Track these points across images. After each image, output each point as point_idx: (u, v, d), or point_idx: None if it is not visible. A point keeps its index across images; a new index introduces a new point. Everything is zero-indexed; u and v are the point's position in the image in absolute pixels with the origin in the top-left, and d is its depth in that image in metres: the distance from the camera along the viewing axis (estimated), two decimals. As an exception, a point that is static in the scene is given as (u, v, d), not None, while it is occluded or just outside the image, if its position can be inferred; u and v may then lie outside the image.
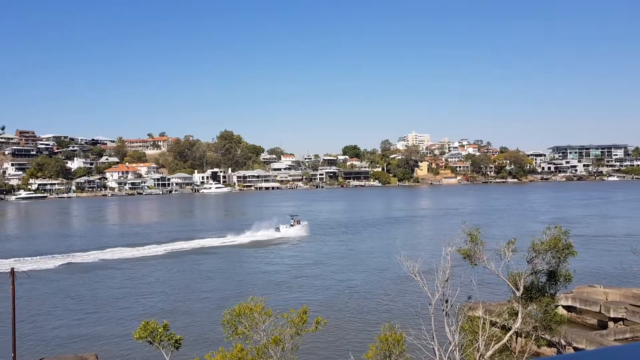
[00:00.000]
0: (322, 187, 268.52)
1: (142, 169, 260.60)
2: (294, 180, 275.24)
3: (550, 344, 24.70)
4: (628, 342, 26.33)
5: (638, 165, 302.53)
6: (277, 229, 78.58)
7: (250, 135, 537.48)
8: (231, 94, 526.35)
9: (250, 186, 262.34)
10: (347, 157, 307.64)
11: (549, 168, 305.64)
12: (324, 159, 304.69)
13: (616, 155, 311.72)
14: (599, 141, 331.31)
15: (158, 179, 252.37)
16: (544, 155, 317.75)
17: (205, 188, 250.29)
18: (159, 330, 11.59)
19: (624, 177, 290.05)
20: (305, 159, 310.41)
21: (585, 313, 33.13)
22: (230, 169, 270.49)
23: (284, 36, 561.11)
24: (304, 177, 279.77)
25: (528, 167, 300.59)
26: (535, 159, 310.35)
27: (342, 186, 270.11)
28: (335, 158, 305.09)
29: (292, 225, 79.72)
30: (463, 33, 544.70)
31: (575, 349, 25.33)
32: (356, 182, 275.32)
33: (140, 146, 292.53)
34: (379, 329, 14.85)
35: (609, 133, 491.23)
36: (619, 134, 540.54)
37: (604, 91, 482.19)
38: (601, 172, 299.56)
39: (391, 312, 33.95)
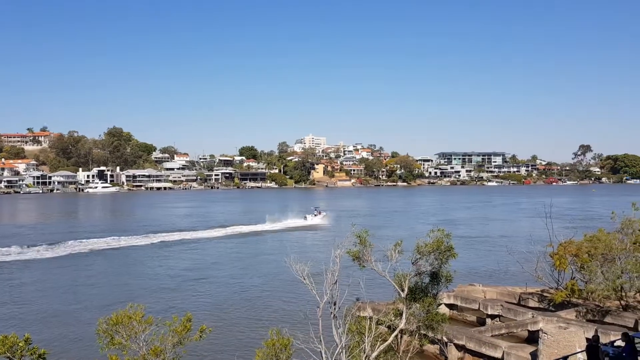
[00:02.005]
0: (218, 188, 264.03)
1: (20, 165, 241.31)
2: (187, 180, 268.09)
3: (432, 342, 25.77)
4: (504, 337, 28.15)
5: (514, 171, 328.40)
6: (305, 218, 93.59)
7: (142, 133, 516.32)
8: (121, 89, 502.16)
9: (141, 186, 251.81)
10: (243, 158, 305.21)
11: (436, 173, 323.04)
12: (219, 160, 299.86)
13: (495, 162, 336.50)
14: (480, 149, 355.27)
15: (38, 177, 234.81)
16: (431, 160, 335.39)
17: (90, 187, 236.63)
18: (20, 344, 10.41)
19: (501, 182, 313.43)
20: (200, 159, 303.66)
21: (465, 311, 35.03)
22: (118, 168, 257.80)
23: (180, 29, 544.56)
24: (199, 177, 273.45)
25: (417, 172, 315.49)
26: (423, 164, 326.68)
27: (238, 187, 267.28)
28: (231, 159, 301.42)
29: (315, 215, 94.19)
30: (357, 37, 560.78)
31: (456, 345, 26.62)
32: (253, 184, 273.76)
33: (19, 141, 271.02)
34: (267, 333, 14.54)
35: (489, 141, 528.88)
36: (498, 143, 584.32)
37: (484, 102, 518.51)
38: (482, 177, 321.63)
39: (280, 316, 33.75)
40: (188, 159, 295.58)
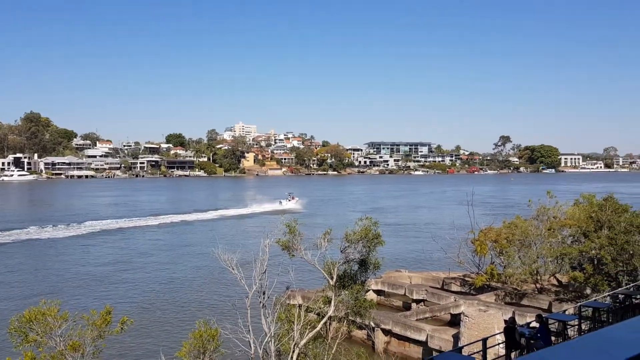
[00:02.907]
0: (143, 176, 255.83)
1: None
2: (111, 168, 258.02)
3: (360, 327, 26.31)
4: (428, 321, 29.15)
5: (439, 161, 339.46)
6: (280, 203, 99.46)
7: (61, 118, 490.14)
8: (40, 72, 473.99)
9: (60, 174, 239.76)
10: (171, 145, 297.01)
11: (365, 162, 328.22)
12: (145, 147, 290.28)
13: (422, 151, 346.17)
14: (407, 139, 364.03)
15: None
16: (361, 150, 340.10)
17: (5, 175, 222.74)
18: None
19: (427, 171, 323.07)
20: (124, 146, 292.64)
21: (392, 296, 35.99)
22: (36, 155, 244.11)
23: (102, 7, 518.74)
24: (123, 165, 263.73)
25: (347, 161, 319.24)
26: (354, 154, 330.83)
27: (165, 176, 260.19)
28: (158, 146, 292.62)
29: (289, 200, 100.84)
30: (287, 25, 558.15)
31: (383, 330, 27.30)
32: (180, 172, 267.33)
33: None
34: (195, 325, 14.26)
35: (416, 132, 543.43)
36: (425, 133, 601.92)
37: (412, 94, 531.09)
38: (409, 166, 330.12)
39: (209, 307, 33.30)
40: (111, 146, 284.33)
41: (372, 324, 26.57)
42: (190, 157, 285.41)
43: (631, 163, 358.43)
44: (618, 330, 3.80)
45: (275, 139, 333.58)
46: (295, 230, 16.94)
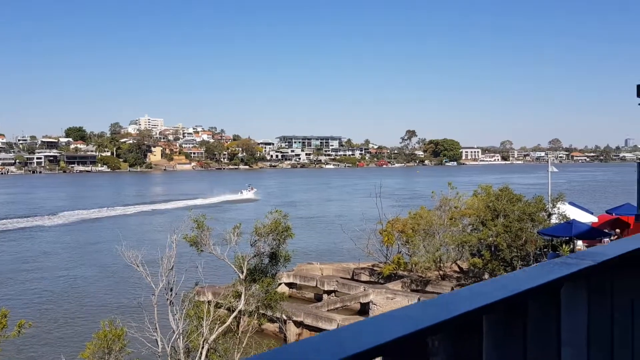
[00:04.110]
0: (40, 172, 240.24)
1: None
2: (4, 164, 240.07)
3: (272, 320, 26.43)
4: (338, 311, 29.80)
5: (350, 154, 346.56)
6: (241, 192, 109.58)
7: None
8: None
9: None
10: (71, 139, 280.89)
11: (277, 156, 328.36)
12: (42, 141, 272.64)
13: (332, 145, 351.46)
14: (319, 133, 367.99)
15: None
16: (273, 144, 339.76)
17: None
18: None
19: (338, 165, 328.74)
20: (19, 140, 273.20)
21: (304, 288, 36.43)
22: None
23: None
24: (18, 161, 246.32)
25: (258, 155, 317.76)
26: (265, 147, 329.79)
27: (64, 171, 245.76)
28: (56, 140, 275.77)
29: (249, 191, 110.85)
30: (198, 16, 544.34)
31: (294, 322, 27.58)
32: (82, 167, 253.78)
33: None
34: (99, 325, 13.68)
35: (327, 126, 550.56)
36: (335, 127, 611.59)
37: (322, 88, 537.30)
38: (320, 160, 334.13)
39: (114, 307, 32.00)
40: (4, 141, 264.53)
41: (284, 317, 26.76)
42: (92, 151, 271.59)
43: (525, 156, 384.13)
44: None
45: (183, 133, 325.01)
46: (204, 225, 16.67)
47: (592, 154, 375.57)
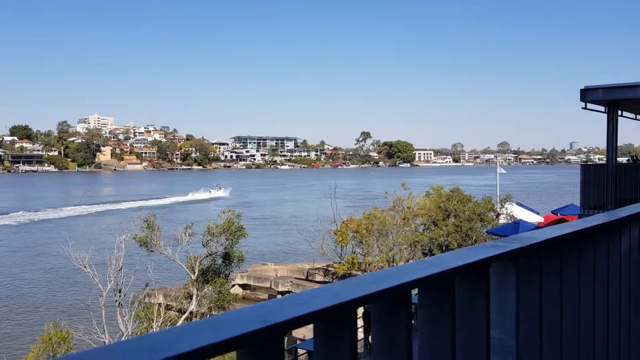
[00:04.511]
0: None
1: None
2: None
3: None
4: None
5: (305, 155, 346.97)
6: (209, 192, 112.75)
7: None
8: None
9: None
10: (15, 138, 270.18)
11: (232, 156, 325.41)
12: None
13: (288, 146, 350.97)
14: (274, 133, 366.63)
15: None
16: (227, 144, 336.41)
17: None
18: None
19: (294, 165, 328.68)
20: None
21: (258, 289, 36.27)
22: None
23: None
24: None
25: (213, 155, 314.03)
26: (219, 148, 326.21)
27: (8, 171, 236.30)
28: (0, 139, 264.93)
29: (217, 190, 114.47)
30: (149, 12, 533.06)
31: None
32: (27, 167, 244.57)
33: None
34: (44, 328, 13.21)
35: (283, 126, 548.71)
36: (291, 128, 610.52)
37: (278, 87, 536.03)
38: (275, 161, 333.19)
39: (60, 309, 30.96)
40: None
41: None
42: (38, 150, 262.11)
43: (475, 158, 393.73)
44: None
45: (135, 132, 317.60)
46: (154, 225, 16.34)
47: (539, 157, 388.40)
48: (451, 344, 1.04)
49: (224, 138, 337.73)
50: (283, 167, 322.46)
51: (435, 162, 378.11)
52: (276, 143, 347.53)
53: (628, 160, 26.04)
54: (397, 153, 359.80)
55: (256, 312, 0.75)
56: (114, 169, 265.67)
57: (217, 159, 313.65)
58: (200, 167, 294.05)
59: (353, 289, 0.84)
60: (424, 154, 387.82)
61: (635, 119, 20.53)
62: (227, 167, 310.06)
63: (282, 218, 76.72)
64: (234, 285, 31.21)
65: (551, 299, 1.48)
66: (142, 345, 0.61)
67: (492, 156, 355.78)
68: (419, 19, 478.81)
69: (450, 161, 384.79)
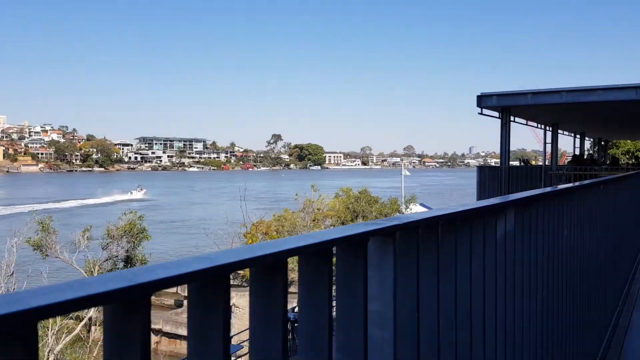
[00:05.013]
0: None
1: None
2: None
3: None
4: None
5: (214, 157, 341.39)
6: (130, 193, 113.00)
7: None
8: None
9: None
10: None
11: (136, 158, 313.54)
12: None
13: (196, 148, 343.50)
14: (182, 134, 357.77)
15: None
16: (132, 145, 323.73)
17: None
18: None
19: (203, 168, 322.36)
20: None
21: (164, 295, 35.09)
22: None
23: None
24: None
25: (116, 156, 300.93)
26: (123, 149, 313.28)
27: None
28: None
29: (138, 191, 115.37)
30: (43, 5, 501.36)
31: (153, 330, 26.48)
32: None
33: None
34: None
35: (191, 127, 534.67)
36: (200, 129, 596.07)
37: (187, 87, 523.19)
38: (184, 163, 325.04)
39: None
40: None
41: (142, 324, 25.62)
42: None
43: (383, 161, 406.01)
44: None
45: (30, 132, 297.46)
46: (49, 228, 15.39)
47: (441, 160, 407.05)
48: (328, 314, 1.08)
49: (127, 139, 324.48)
50: (191, 169, 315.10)
51: (345, 165, 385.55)
52: (184, 144, 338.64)
53: (519, 163, 28.03)
54: (308, 156, 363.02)
55: (124, 274, 0.77)
56: (7, 171, 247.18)
57: (120, 161, 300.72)
58: (102, 169, 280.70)
59: (228, 255, 0.86)
60: (334, 156, 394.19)
61: (527, 124, 22.07)
62: (132, 168, 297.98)
63: (190, 221, 74.90)
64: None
65: (429, 276, 1.57)
66: (3, 300, 0.62)
67: (398, 159, 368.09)
68: (329, 24, 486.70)
69: (359, 164, 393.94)
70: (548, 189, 3.10)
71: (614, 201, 6.05)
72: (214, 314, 0.81)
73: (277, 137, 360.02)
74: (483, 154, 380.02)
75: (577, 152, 27.95)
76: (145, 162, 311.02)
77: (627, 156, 56.23)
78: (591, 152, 33.43)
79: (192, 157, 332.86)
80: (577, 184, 3.93)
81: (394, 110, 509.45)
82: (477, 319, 1.92)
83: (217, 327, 0.84)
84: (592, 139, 33.58)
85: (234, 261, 0.84)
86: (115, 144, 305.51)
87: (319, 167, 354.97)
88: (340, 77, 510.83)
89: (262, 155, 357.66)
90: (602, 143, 36.57)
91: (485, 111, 16.64)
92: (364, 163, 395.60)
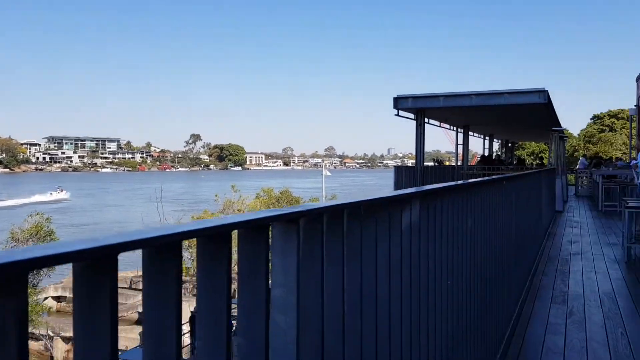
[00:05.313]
0: None
1: None
2: None
3: (37, 338, 23.75)
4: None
5: (129, 158, 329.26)
6: (50, 194, 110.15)
7: None
8: None
9: None
10: None
11: (44, 158, 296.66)
12: None
13: (110, 148, 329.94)
14: (94, 134, 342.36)
15: None
16: (39, 144, 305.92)
17: None
18: None
19: (117, 168, 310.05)
20: None
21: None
22: None
23: None
24: None
25: (22, 157, 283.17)
26: (30, 149, 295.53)
27: None
28: None
29: (58, 192, 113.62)
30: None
31: (63, 338, 25.14)
32: None
33: None
34: None
35: (104, 127, 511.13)
36: (113, 129, 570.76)
37: (95, 85, 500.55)
38: (96, 163, 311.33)
39: None
40: None
41: (50, 333, 24.25)
42: None
43: (304, 162, 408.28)
44: None
45: None
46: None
47: (361, 161, 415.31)
48: (227, 298, 1.08)
49: (35, 138, 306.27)
50: (105, 170, 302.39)
51: (266, 166, 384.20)
52: (96, 144, 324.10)
53: (434, 164, 29.18)
54: (228, 156, 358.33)
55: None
56: None
57: (27, 161, 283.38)
58: (7, 170, 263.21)
59: (117, 237, 0.84)
60: (256, 157, 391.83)
61: (440, 126, 22.95)
62: (40, 169, 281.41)
63: (103, 224, 71.82)
64: (47, 297, 28.41)
65: (334, 263, 1.59)
66: None
67: (319, 160, 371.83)
68: (248, 24, 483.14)
69: (280, 165, 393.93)
70: (453, 183, 3.24)
71: (517, 197, 6.43)
72: (100, 296, 0.79)
73: (196, 137, 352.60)
74: (401, 155, 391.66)
75: (487, 153, 29.45)
76: (55, 162, 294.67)
77: (532, 157, 60.03)
78: (499, 153, 35.32)
79: (106, 158, 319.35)
80: (480, 179, 4.14)
81: (316, 111, 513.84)
82: (383, 307, 1.98)
83: (104, 308, 0.82)
84: (500, 141, 35.51)
85: (123, 242, 0.82)
86: (22, 144, 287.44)
87: (239, 168, 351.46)
88: (261, 78, 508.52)
89: (180, 155, 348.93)
90: (509, 145, 38.80)
91: (401, 113, 17.10)
92: (285, 164, 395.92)
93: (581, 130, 71.35)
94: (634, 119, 42.91)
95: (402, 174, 20.81)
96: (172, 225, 0.96)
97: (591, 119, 73.77)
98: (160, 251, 0.91)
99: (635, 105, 41.52)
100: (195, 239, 1.02)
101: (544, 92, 14.54)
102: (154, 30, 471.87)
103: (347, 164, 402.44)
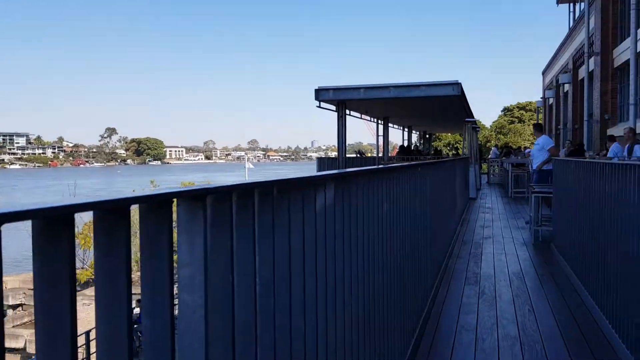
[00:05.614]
0: None
1: None
2: None
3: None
4: (26, 325, 26.64)
5: (40, 153, 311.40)
6: None
7: None
8: None
9: None
10: None
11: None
12: None
13: (18, 143, 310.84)
14: (0, 128, 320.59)
15: None
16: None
17: None
18: None
19: (26, 165, 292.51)
20: None
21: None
22: None
23: None
24: None
25: None
26: None
27: None
28: None
29: None
30: None
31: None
32: None
33: None
34: None
35: (12, 120, 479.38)
36: (21, 123, 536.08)
37: (6, 77, 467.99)
38: (3, 159, 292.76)
39: None
40: None
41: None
42: None
43: (227, 155, 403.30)
44: None
45: None
46: None
47: (285, 154, 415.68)
48: (127, 275, 1.04)
49: None
50: (13, 166, 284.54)
51: (187, 160, 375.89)
52: (3, 139, 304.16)
53: (356, 155, 29.70)
54: (146, 150, 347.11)
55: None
56: None
57: None
58: None
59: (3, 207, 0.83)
60: (176, 151, 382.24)
61: (361, 117, 23.35)
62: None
63: (12, 224, 67.50)
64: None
65: (245, 242, 1.58)
66: None
67: (242, 153, 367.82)
68: (172, 17, 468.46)
69: (202, 158, 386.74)
70: (368, 167, 3.30)
71: (432, 184, 6.67)
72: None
73: (111, 131, 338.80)
74: (324, 147, 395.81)
75: (406, 144, 30.33)
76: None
77: (448, 148, 62.45)
78: (417, 144, 36.47)
79: (14, 153, 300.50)
80: (395, 165, 4.24)
81: (238, 104, 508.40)
82: (297, 287, 1.98)
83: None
84: (418, 132, 36.67)
85: (8, 212, 0.78)
86: None
87: (159, 163, 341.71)
88: (179, 70, 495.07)
89: (95, 150, 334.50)
90: (427, 136, 40.16)
91: (323, 104, 17.21)
92: (207, 157, 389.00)
93: (493, 122, 75.04)
94: (540, 110, 45.80)
95: (325, 165, 21.06)
96: (65, 198, 0.92)
97: (502, 111, 77.74)
98: (52, 223, 0.86)
99: (541, 97, 44.33)
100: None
101: (457, 85, 15.14)
102: (65, 21, 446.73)
103: (271, 157, 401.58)
